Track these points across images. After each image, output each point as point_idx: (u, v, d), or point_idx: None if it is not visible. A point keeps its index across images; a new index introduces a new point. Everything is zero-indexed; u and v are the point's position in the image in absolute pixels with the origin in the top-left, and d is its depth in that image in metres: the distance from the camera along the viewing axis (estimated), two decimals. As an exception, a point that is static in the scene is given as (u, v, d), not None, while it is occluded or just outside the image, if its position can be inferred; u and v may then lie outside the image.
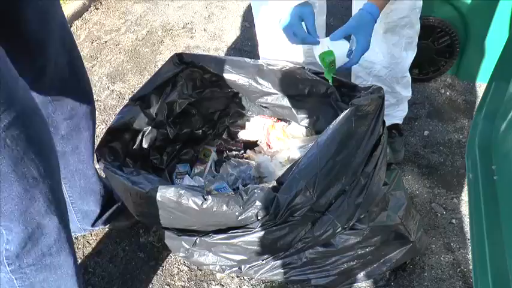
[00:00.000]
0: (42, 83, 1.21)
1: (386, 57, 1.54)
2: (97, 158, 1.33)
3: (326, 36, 1.25)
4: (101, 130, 2.05)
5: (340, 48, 1.21)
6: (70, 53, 1.26)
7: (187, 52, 2.54)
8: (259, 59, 1.75)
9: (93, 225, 1.57)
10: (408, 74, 1.65)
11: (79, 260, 1.56)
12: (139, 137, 1.48)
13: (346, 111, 1.18)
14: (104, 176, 1.55)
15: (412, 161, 1.79)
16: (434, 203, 1.63)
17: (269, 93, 1.50)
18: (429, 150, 1.83)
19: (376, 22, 1.22)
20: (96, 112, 2.14)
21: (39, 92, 1.21)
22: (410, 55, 1.59)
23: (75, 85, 1.32)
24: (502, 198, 1.07)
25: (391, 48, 1.52)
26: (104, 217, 1.57)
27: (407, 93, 1.69)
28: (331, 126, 1.17)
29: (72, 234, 1.55)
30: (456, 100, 2.06)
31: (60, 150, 1.33)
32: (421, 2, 1.48)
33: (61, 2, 2.91)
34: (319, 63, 1.24)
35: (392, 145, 1.74)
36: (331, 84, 1.36)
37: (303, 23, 1.25)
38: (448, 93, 2.09)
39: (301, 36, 1.22)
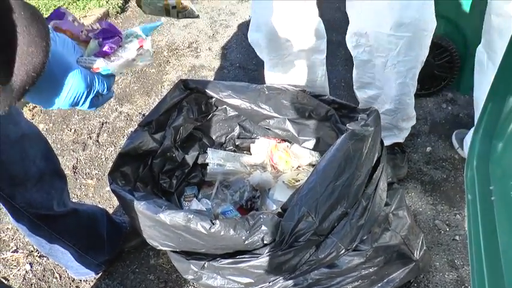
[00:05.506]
0: None
1: (395, 103, 1.66)
2: (109, 182, 1.38)
3: None
4: (110, 152, 2.11)
5: None
6: None
7: (193, 71, 2.61)
8: (263, 77, 1.82)
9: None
10: (413, 113, 1.73)
11: (91, 283, 1.61)
12: (149, 161, 1.53)
13: (343, 135, 1.22)
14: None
15: (415, 178, 1.82)
16: (437, 220, 1.65)
17: (271, 117, 1.54)
18: (432, 166, 1.86)
19: None
20: (105, 134, 2.21)
21: None
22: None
23: None
24: (499, 219, 1.10)
25: (401, 97, 1.62)
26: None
27: (413, 123, 1.77)
28: (329, 151, 1.21)
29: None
30: (458, 115, 2.09)
31: None
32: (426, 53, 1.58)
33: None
34: None
35: (395, 162, 1.77)
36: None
37: None
38: (449, 108, 2.12)
39: None
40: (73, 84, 0.70)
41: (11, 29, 0.53)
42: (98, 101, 0.76)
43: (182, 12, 1.16)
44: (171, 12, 1.15)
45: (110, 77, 0.77)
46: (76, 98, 0.71)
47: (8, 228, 1.83)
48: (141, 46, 0.76)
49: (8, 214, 1.27)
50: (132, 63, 0.76)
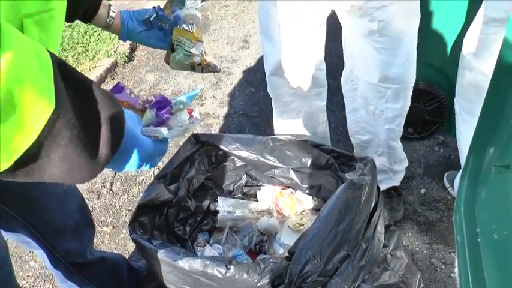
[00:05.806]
0: None
1: (384, 147, 1.77)
2: (130, 232, 1.50)
3: None
4: (123, 200, 2.23)
5: None
6: None
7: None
8: (265, 123, 1.97)
9: None
10: (404, 155, 1.86)
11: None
12: (165, 211, 1.66)
13: (342, 185, 1.36)
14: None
15: (411, 219, 1.94)
16: (433, 258, 1.77)
17: (276, 167, 1.68)
18: (427, 207, 1.99)
19: None
20: (118, 183, 2.34)
21: None
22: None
23: None
24: (485, 258, 1.22)
25: (389, 141, 1.76)
26: None
27: (406, 164, 1.89)
28: (330, 199, 1.35)
29: None
30: (449, 157, 2.23)
31: None
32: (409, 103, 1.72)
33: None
34: None
35: (392, 205, 1.90)
36: None
37: None
38: (441, 150, 2.27)
39: None
40: (140, 152, 0.81)
41: (98, 117, 0.66)
42: (155, 161, 0.88)
43: (206, 68, 1.32)
44: (197, 69, 1.29)
45: (165, 142, 0.90)
46: (142, 163, 0.83)
47: (28, 275, 1.94)
48: (191, 115, 0.90)
49: (48, 261, 1.40)
50: (186, 131, 0.91)
